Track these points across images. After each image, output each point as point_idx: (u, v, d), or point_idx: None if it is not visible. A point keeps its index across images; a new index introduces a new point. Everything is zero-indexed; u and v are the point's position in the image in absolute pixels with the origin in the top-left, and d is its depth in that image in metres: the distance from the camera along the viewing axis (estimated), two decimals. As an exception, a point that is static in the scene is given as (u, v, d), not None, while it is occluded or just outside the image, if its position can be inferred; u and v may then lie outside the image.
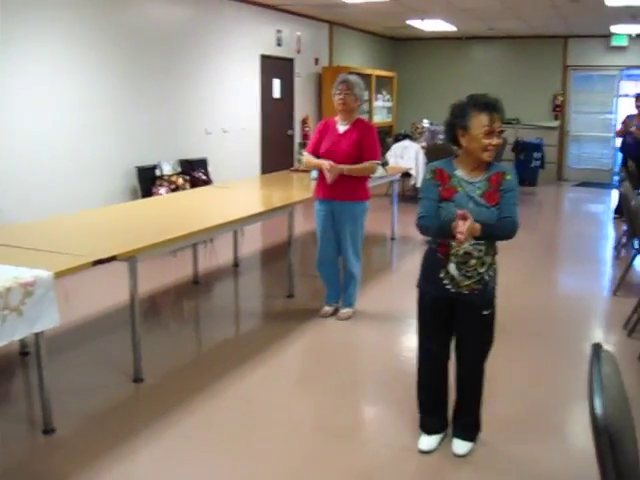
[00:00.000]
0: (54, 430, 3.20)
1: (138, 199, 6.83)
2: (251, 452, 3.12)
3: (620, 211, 9.24)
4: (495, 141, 2.77)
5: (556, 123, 13.09)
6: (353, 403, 3.64)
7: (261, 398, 3.67)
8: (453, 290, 2.90)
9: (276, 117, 9.80)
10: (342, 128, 4.64)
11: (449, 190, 2.85)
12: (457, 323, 3.01)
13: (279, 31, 9.62)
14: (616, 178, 12.12)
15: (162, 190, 6.82)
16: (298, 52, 10.17)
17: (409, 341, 4.61)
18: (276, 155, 9.84)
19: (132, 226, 4.32)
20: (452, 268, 2.87)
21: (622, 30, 11.62)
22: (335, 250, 4.85)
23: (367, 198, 4.78)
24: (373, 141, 4.64)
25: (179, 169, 7.31)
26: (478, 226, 2.70)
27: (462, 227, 2.65)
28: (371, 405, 3.66)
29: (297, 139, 10.41)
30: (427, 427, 3.15)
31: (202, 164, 7.70)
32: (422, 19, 10.50)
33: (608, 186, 12.57)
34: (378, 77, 12.09)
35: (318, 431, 3.31)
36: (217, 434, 3.26)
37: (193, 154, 7.77)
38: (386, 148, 9.20)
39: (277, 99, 9.79)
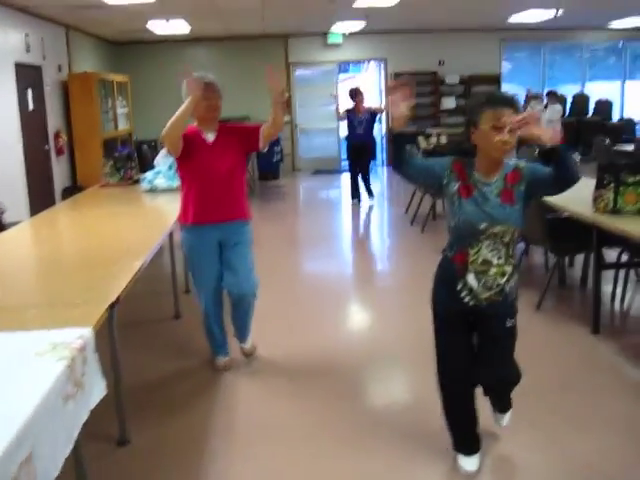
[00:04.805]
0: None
1: None
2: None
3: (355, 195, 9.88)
4: (506, 137, 2.51)
5: (287, 118, 13.78)
6: (375, 417, 3.54)
7: (281, 431, 3.41)
8: (471, 303, 2.71)
9: (33, 132, 8.71)
10: (210, 137, 3.79)
11: (468, 188, 2.65)
12: (481, 337, 2.84)
13: (27, 35, 8.54)
14: (344, 164, 13.30)
15: (-38, 227, 5.69)
16: (44, 58, 9.14)
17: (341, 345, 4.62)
18: (39, 173, 8.78)
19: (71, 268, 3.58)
20: (471, 278, 2.68)
21: (339, 29, 12.70)
22: (221, 286, 3.99)
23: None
24: (244, 125, 4.18)
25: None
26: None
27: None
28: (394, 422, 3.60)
29: (52, 155, 9.39)
30: (467, 447, 2.94)
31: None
32: (167, 19, 10.21)
33: (337, 172, 13.83)
34: (117, 83, 11.43)
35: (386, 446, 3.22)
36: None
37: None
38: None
39: (32, 111, 8.70)
